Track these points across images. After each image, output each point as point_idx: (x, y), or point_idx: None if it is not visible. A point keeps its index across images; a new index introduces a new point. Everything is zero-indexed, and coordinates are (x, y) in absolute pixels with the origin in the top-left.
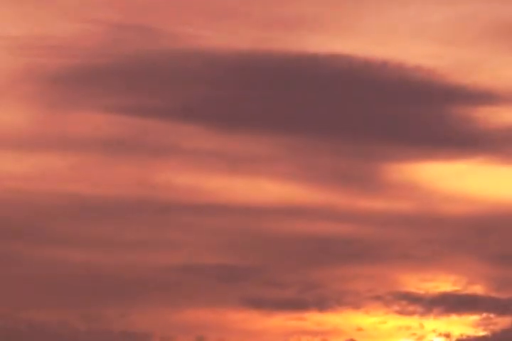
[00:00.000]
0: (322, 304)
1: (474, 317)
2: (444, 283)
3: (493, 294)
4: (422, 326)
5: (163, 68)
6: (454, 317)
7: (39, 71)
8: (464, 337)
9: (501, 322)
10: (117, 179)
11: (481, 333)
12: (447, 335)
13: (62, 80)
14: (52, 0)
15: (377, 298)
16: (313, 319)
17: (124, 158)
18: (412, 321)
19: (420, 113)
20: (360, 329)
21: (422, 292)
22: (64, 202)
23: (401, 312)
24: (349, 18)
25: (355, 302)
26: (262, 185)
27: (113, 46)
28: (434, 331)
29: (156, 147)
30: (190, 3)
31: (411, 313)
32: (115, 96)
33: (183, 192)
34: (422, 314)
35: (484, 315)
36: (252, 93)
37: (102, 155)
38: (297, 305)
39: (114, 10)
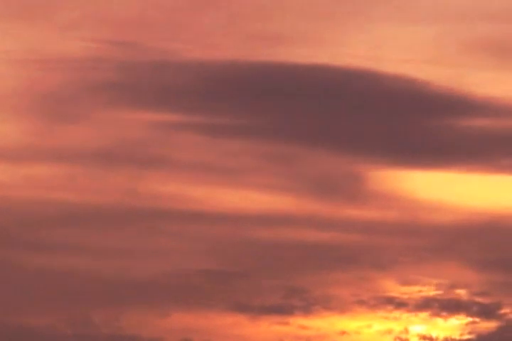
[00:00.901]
0: (307, 309)
1: (459, 321)
2: (427, 288)
3: (477, 298)
4: (406, 331)
5: (152, 81)
6: (439, 321)
7: (32, 86)
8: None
9: (486, 326)
10: (105, 188)
11: (466, 337)
12: (431, 339)
13: (53, 95)
14: (48, 16)
15: (362, 303)
16: (298, 323)
17: (113, 168)
18: (397, 325)
19: (402, 123)
20: (344, 333)
21: (406, 296)
22: (53, 210)
23: (386, 317)
24: (331, 32)
25: (339, 307)
26: (249, 194)
27: (101, 61)
28: (418, 335)
29: (143, 158)
30: (176, 20)
31: (395, 318)
32: (104, 110)
33: (170, 200)
34: (407, 318)
35: (469, 319)
36: (237, 104)
37: (92, 166)
38: (282, 310)
39: (104, 27)
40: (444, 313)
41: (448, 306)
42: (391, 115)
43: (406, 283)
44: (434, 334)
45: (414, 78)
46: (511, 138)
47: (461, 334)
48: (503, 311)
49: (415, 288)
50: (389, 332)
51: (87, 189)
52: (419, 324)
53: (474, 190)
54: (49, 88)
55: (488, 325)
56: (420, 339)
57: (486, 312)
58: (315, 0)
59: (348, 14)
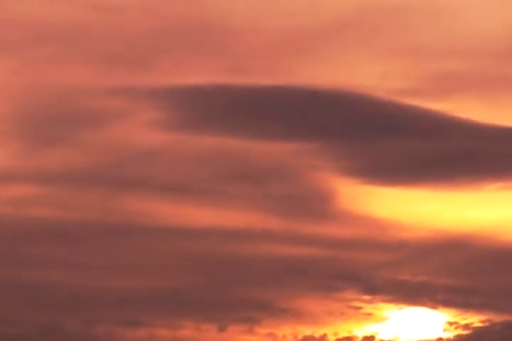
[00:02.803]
0: (274, 318)
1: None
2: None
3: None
4: (373, 337)
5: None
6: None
7: (18, 112)
8: None
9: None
10: (82, 206)
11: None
12: None
13: (37, 121)
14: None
15: (330, 313)
16: (266, 332)
17: (90, 188)
18: (362, 332)
19: (369, 144)
20: (309, 338)
21: (370, 306)
22: (33, 226)
23: (351, 324)
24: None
25: (306, 316)
26: (220, 213)
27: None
28: None
29: (119, 178)
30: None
31: (361, 324)
32: (83, 133)
33: (143, 218)
34: (371, 325)
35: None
36: (215, 127)
37: (72, 185)
38: (250, 320)
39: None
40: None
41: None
42: (358, 135)
43: (370, 292)
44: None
45: (381, 100)
46: (471, 158)
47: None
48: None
49: (378, 298)
50: (355, 338)
51: (66, 207)
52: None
53: (439, 208)
54: (34, 115)
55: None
56: None
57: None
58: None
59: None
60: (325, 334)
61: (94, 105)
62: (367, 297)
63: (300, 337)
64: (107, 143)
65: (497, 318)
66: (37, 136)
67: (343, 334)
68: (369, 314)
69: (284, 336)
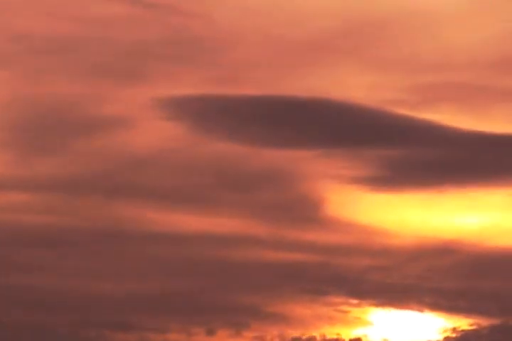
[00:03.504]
0: (261, 322)
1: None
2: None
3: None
4: (359, 339)
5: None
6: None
7: (11, 122)
8: None
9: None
10: (73, 213)
11: None
12: None
13: (30, 130)
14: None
15: (318, 317)
16: (253, 336)
17: (81, 195)
18: (348, 335)
19: (357, 152)
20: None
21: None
22: (23, 232)
23: (338, 326)
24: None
25: (294, 319)
26: (209, 219)
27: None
28: None
29: (110, 186)
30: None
31: (351, 329)
32: (74, 143)
33: (133, 224)
34: (358, 328)
35: None
36: (204, 136)
37: (63, 193)
38: (238, 324)
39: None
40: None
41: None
42: (345, 144)
43: (358, 296)
44: None
45: (369, 109)
46: (457, 165)
47: None
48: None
49: (366, 301)
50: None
51: (57, 214)
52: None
53: (426, 215)
54: (27, 124)
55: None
56: None
57: None
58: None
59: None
60: (313, 337)
61: (84, 115)
62: (354, 301)
63: (288, 339)
64: (98, 152)
65: (485, 322)
66: (29, 145)
67: (330, 337)
68: (357, 318)
69: (271, 339)
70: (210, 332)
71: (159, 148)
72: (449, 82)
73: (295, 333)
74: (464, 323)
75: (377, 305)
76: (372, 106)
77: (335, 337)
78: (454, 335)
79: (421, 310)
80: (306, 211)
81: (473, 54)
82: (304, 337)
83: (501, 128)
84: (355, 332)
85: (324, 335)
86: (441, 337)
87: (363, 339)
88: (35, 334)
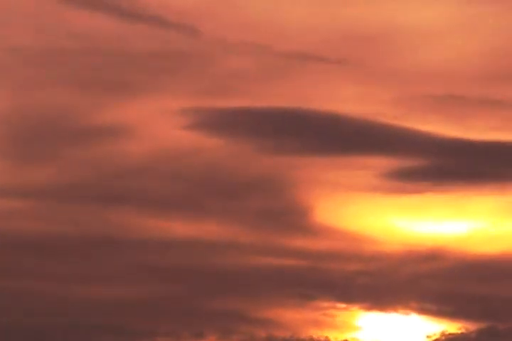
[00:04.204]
0: (250, 327)
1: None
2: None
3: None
4: None
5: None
6: None
7: (4, 132)
8: None
9: None
10: (65, 220)
11: None
12: None
13: (23, 140)
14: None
15: (305, 321)
16: (241, 339)
17: (73, 202)
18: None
19: (343, 159)
20: None
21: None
22: (16, 239)
23: (327, 331)
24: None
25: (283, 324)
26: (198, 225)
27: None
28: None
29: (100, 194)
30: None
31: (339, 333)
32: (65, 151)
33: (125, 231)
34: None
35: None
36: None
37: (55, 200)
38: (227, 328)
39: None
40: None
41: None
42: (334, 151)
43: (346, 301)
44: None
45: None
46: (443, 172)
47: None
48: None
49: (354, 306)
50: None
51: (49, 220)
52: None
53: (413, 222)
54: (18, 132)
55: None
56: None
57: None
58: None
59: None
60: (302, 340)
61: (77, 125)
62: (342, 305)
63: None
64: (90, 161)
65: (472, 326)
66: (23, 154)
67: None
68: (345, 322)
69: None
70: (199, 336)
71: (151, 157)
72: (431, 93)
73: (283, 337)
74: (451, 327)
75: (366, 309)
76: (358, 117)
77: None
78: (442, 339)
79: (408, 314)
80: (294, 218)
81: (454, 68)
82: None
83: (482, 136)
84: (344, 336)
85: (312, 339)
86: (430, 340)
87: None
88: (25, 338)
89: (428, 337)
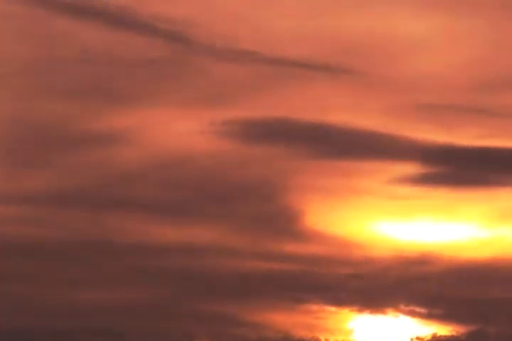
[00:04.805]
0: (240, 330)
1: None
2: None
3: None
4: None
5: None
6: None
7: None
8: None
9: None
10: (62, 225)
11: None
12: None
13: (19, 146)
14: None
15: (296, 325)
16: None
17: (70, 208)
18: None
19: (336, 165)
20: None
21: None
22: (12, 244)
23: (318, 334)
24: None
25: (274, 327)
26: (190, 230)
27: None
28: None
29: (97, 200)
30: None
31: (329, 336)
32: (62, 158)
33: (120, 236)
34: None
35: None
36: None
37: (52, 206)
38: (217, 332)
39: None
40: None
41: None
42: (326, 157)
43: (336, 304)
44: None
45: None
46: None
47: None
48: None
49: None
50: None
51: (46, 226)
52: None
53: (403, 226)
54: (14, 140)
55: None
56: None
57: None
58: None
59: None
60: None
61: (72, 132)
62: (333, 308)
63: None
64: (85, 167)
65: (462, 329)
66: (18, 160)
67: None
68: (336, 325)
69: None
70: (190, 339)
71: (145, 164)
72: (421, 102)
73: (275, 340)
74: (442, 330)
75: (357, 312)
76: (348, 125)
77: None
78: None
79: (399, 317)
80: (285, 223)
81: (444, 77)
82: None
83: (470, 143)
84: (335, 339)
85: None
86: None
87: None
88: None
89: (419, 339)
